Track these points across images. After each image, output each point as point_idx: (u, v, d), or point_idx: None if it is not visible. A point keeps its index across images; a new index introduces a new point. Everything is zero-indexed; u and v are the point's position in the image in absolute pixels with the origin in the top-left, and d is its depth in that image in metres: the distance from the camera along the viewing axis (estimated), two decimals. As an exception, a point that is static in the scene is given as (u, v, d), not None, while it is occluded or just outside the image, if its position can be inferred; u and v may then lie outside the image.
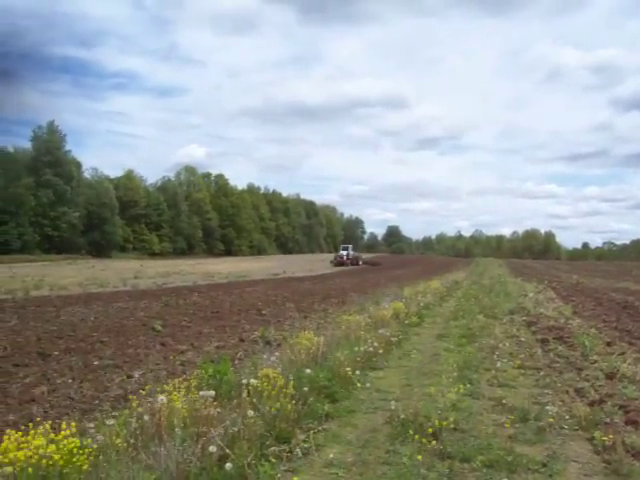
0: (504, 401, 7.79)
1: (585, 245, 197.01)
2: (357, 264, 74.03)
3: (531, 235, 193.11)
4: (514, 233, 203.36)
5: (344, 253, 76.06)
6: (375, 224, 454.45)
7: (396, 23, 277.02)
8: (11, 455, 4.26)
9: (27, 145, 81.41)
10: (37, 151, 78.62)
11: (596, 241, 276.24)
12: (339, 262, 72.37)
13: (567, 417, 7.04)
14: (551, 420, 6.80)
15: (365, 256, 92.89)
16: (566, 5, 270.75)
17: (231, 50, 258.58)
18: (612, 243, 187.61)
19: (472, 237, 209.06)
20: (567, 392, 8.36)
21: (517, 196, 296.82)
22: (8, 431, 4.55)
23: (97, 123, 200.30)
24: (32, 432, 4.58)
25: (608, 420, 6.82)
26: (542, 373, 9.74)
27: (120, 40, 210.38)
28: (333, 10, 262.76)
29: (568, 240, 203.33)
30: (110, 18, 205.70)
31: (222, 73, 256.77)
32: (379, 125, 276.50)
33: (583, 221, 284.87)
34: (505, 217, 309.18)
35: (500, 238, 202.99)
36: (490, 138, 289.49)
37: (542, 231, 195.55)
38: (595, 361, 10.39)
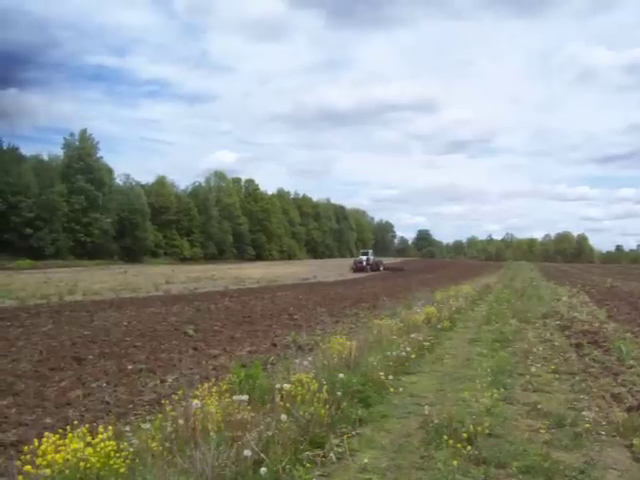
0: (539, 406, 7.69)
1: (619, 248, 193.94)
2: (378, 270, 69.38)
3: (563, 238, 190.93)
4: (546, 236, 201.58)
5: (364, 258, 71.34)
6: (405, 228, 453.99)
7: (425, 26, 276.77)
8: (49, 457, 4.33)
9: (60, 152, 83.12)
10: (69, 158, 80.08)
11: (630, 244, 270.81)
12: (358, 268, 67.06)
13: (604, 423, 6.92)
14: (588, 426, 6.69)
15: (389, 261, 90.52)
16: (598, 5, 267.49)
17: (261, 56, 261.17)
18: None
19: (503, 240, 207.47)
20: (603, 397, 8.22)
21: (549, 199, 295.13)
22: (46, 434, 4.62)
23: (129, 130, 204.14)
24: (69, 435, 4.65)
25: (647, 426, 6.68)
26: (577, 378, 9.58)
27: (152, 48, 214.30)
28: (362, 14, 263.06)
29: (601, 243, 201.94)
30: (143, 27, 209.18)
31: (252, 79, 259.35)
32: (409, 129, 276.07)
33: (616, 223, 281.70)
34: (537, 220, 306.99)
35: (532, 241, 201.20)
36: (521, 141, 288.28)
37: (574, 234, 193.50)
38: (632, 366, 10.18)
